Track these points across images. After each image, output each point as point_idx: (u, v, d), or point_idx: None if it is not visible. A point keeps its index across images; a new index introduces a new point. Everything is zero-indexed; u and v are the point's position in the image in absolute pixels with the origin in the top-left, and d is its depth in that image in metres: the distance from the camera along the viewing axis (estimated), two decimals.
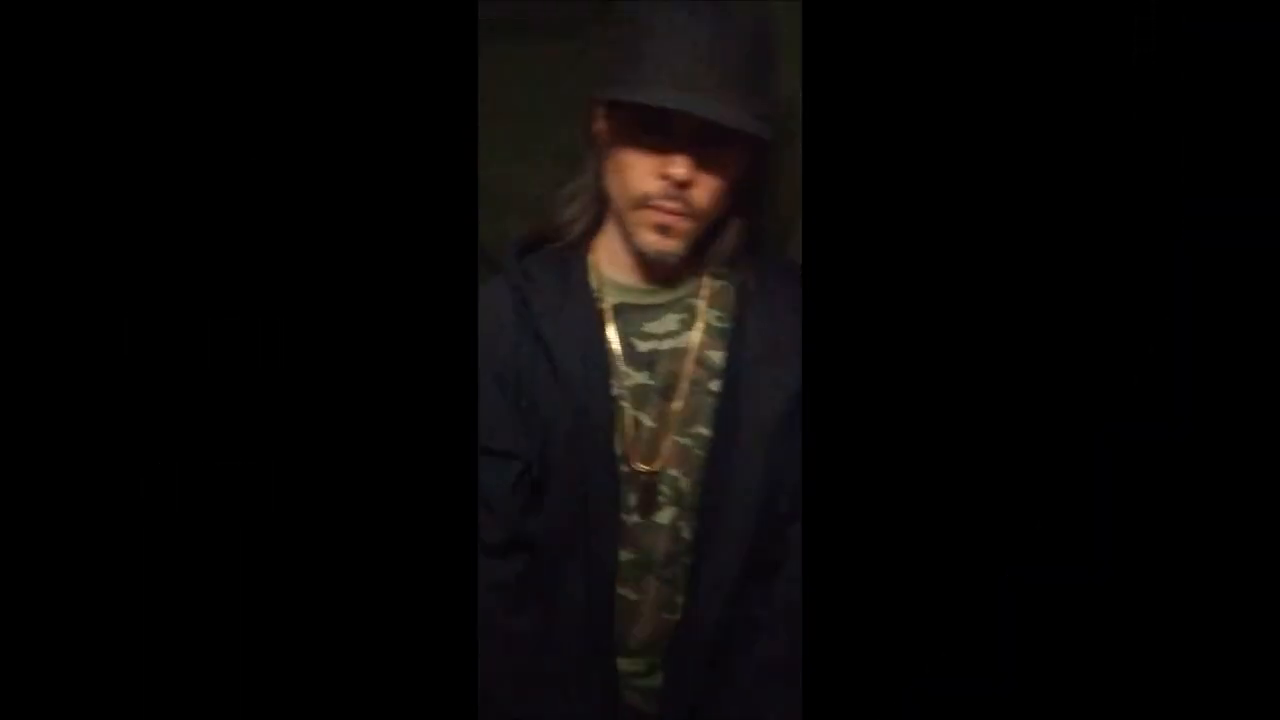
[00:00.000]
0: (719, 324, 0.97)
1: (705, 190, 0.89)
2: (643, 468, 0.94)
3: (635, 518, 0.94)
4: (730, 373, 0.95)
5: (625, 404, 0.94)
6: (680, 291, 0.97)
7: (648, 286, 0.97)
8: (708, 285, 0.97)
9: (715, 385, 0.95)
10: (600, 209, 0.96)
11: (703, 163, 0.88)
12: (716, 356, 0.96)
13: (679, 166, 0.87)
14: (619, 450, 0.94)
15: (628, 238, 0.93)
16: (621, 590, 0.94)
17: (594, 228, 0.98)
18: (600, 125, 0.93)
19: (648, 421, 0.95)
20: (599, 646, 0.94)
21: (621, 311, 0.96)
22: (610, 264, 0.97)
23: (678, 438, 0.94)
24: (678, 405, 0.95)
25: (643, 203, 0.90)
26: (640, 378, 0.95)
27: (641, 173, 0.89)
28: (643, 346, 0.95)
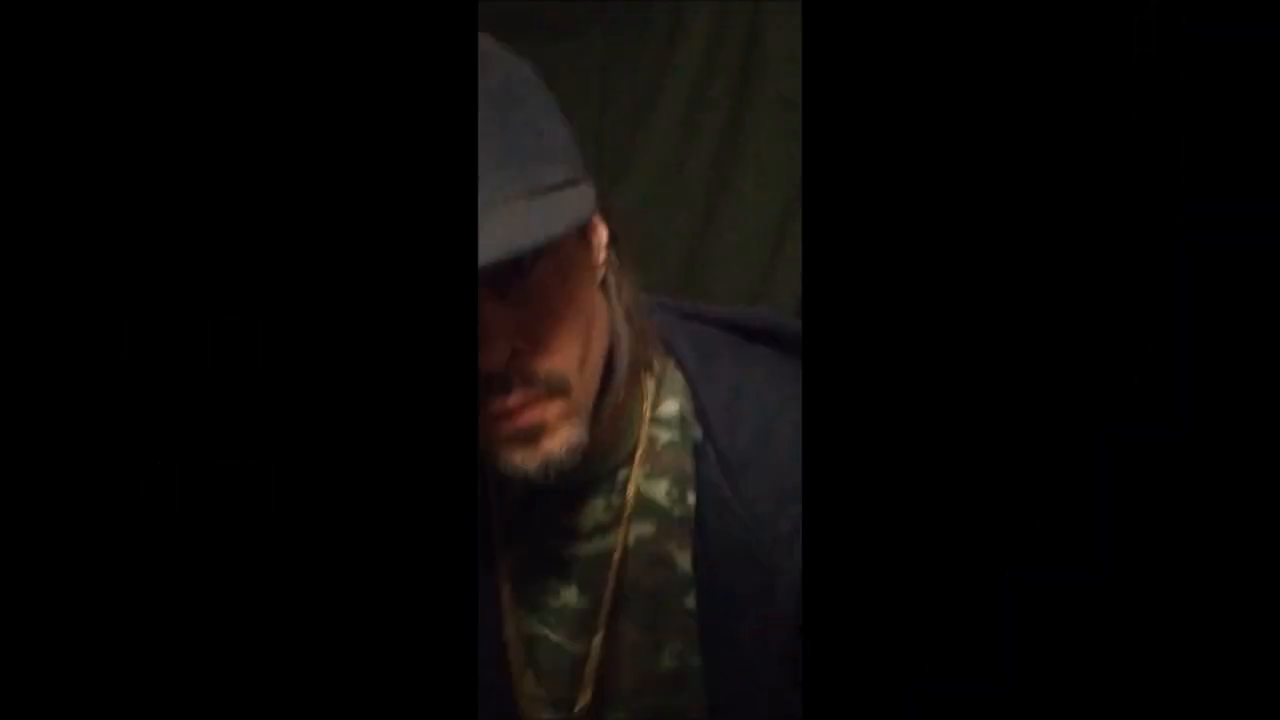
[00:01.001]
0: (671, 506, 0.65)
1: (551, 347, 0.59)
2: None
3: None
4: (704, 583, 0.65)
5: (537, 638, 0.66)
6: (608, 461, 0.66)
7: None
8: (644, 438, 0.66)
9: (673, 589, 0.65)
10: None
11: (520, 316, 0.58)
12: (674, 553, 0.66)
13: (492, 352, 0.58)
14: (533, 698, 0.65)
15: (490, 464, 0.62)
16: None
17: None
18: None
19: (591, 652, 0.65)
20: None
21: (530, 508, 0.67)
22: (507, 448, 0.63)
23: (638, 665, 0.66)
24: (625, 623, 0.65)
25: (486, 413, 0.60)
26: (568, 599, 0.66)
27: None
28: (565, 553, 0.66)
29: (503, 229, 0.55)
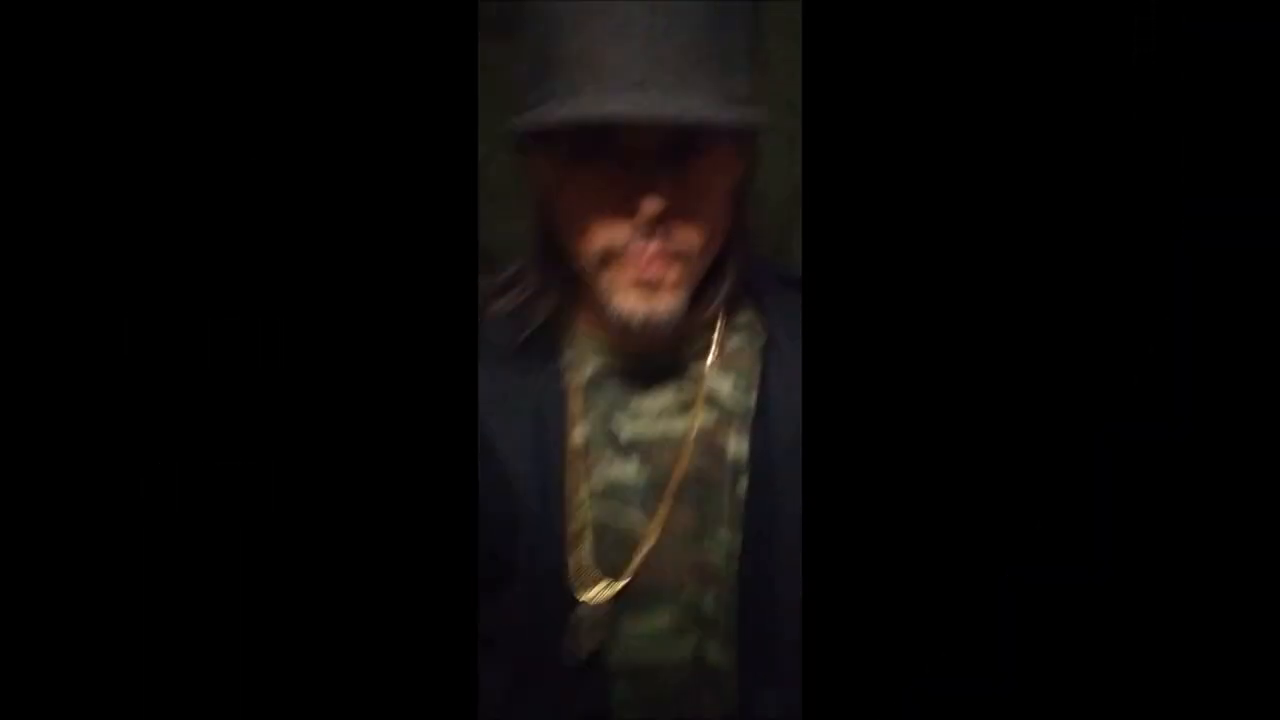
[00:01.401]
0: (732, 401, 0.74)
1: (692, 222, 0.67)
2: (603, 595, 0.71)
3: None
4: (756, 470, 0.72)
5: (595, 509, 0.71)
6: (682, 356, 0.74)
7: (637, 352, 0.73)
8: (717, 345, 0.75)
9: (726, 476, 0.72)
10: (561, 282, 0.74)
11: (680, 186, 0.66)
12: (731, 443, 0.73)
13: (649, 201, 0.65)
14: (584, 567, 0.71)
15: (603, 305, 0.69)
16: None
17: (563, 302, 0.75)
18: (537, 167, 0.71)
19: (635, 528, 0.72)
20: None
21: (598, 386, 0.74)
22: (591, 323, 0.74)
23: (685, 551, 0.71)
24: (679, 507, 0.71)
25: (611, 258, 0.67)
26: (626, 472, 0.72)
27: (601, 219, 0.67)
28: (628, 431, 0.73)
29: (699, 104, 0.63)
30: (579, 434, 0.73)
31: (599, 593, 0.71)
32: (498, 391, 0.73)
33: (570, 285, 0.74)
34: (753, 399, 0.73)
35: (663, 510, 0.72)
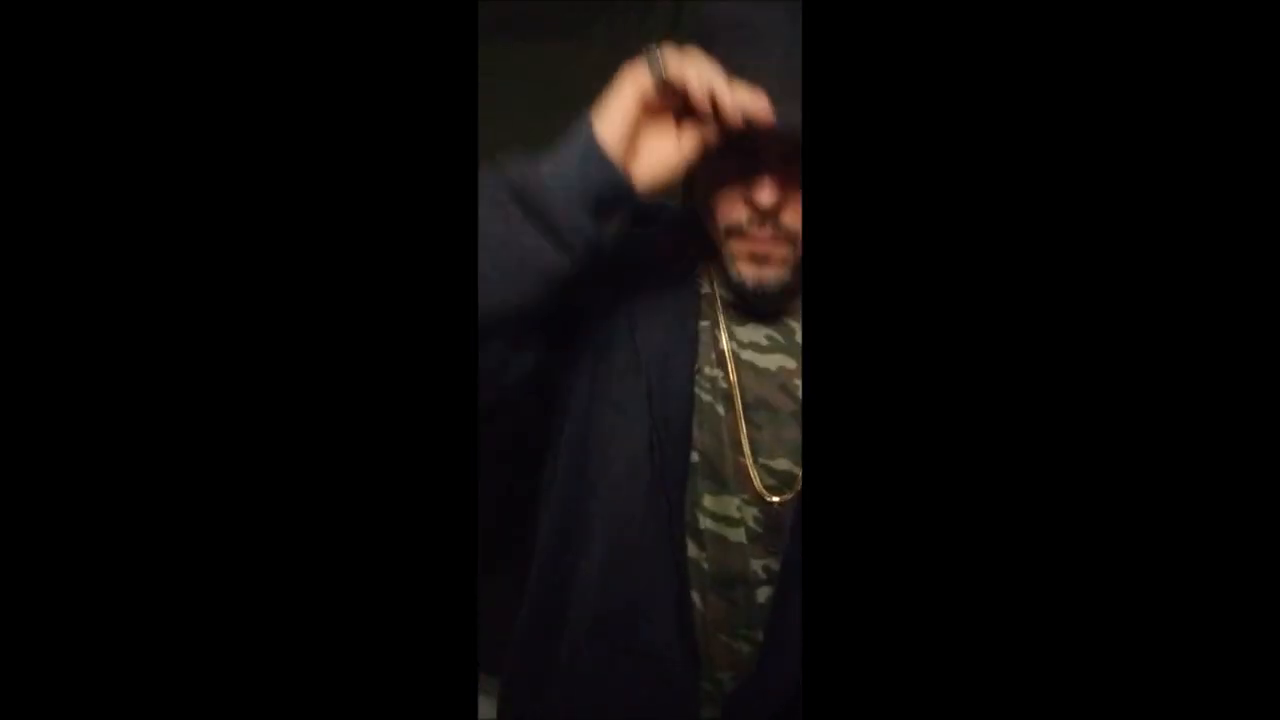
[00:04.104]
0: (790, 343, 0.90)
1: (795, 212, 0.82)
2: (772, 499, 0.88)
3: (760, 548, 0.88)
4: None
5: (714, 402, 0.88)
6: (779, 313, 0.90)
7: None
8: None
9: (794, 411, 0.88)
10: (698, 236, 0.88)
11: (788, 181, 0.81)
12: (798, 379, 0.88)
13: (766, 193, 0.80)
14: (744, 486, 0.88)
15: (724, 270, 0.86)
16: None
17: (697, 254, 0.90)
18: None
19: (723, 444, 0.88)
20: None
21: (720, 307, 0.90)
22: (715, 281, 0.90)
23: (756, 471, 0.88)
24: (756, 431, 0.88)
25: (734, 232, 0.83)
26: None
27: (728, 200, 0.82)
28: (727, 346, 0.89)
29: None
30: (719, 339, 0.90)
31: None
32: (646, 300, 0.89)
33: (702, 242, 0.89)
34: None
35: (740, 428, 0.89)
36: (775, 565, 0.89)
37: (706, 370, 0.89)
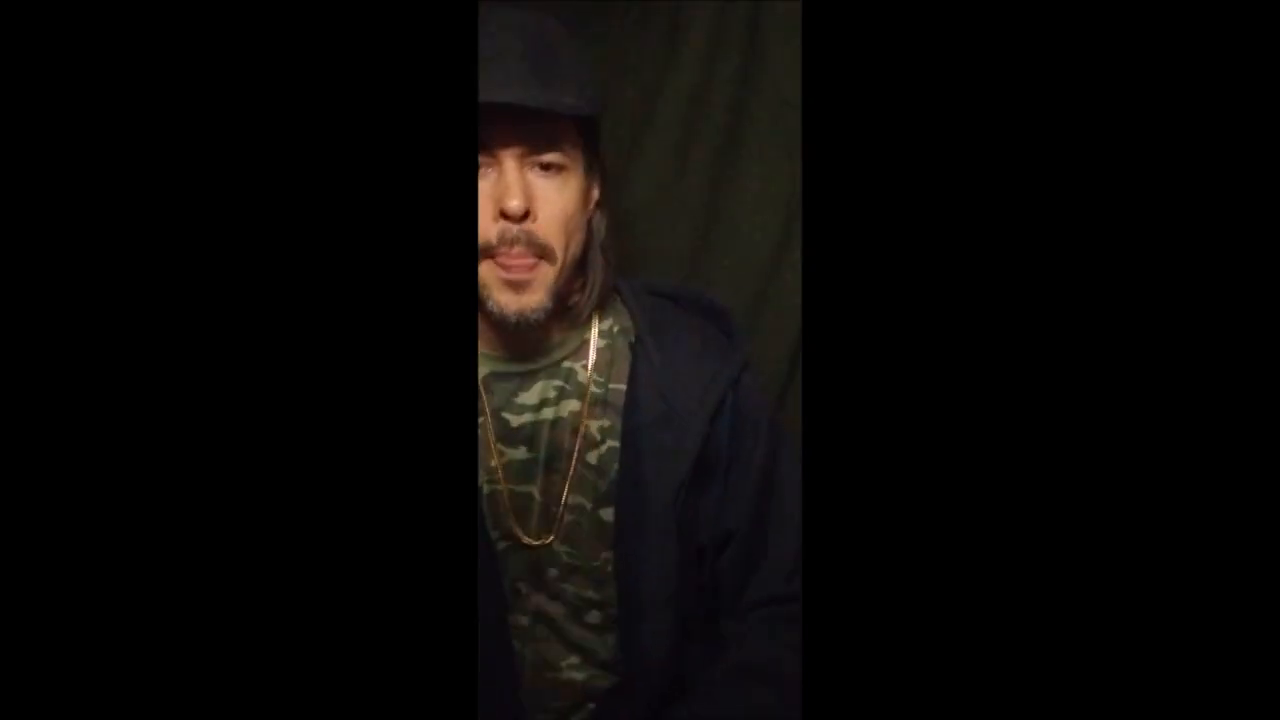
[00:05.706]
0: (598, 390, 0.86)
1: (550, 219, 0.77)
2: (531, 541, 0.86)
3: (526, 588, 0.87)
4: (627, 443, 0.85)
5: (499, 483, 0.85)
6: (555, 355, 0.86)
7: (516, 353, 0.85)
8: (589, 345, 0.87)
9: (593, 458, 0.85)
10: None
11: (539, 185, 0.76)
12: (597, 426, 0.86)
13: (511, 196, 0.74)
14: (499, 524, 0.85)
15: (482, 302, 0.80)
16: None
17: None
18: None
19: (535, 494, 0.86)
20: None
21: (490, 384, 0.85)
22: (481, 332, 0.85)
23: (569, 514, 0.86)
24: (564, 480, 0.85)
25: (486, 255, 0.77)
26: (518, 454, 0.86)
27: (479, 218, 0.76)
28: (516, 421, 0.85)
29: (556, 96, 0.73)
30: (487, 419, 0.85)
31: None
32: None
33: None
34: (615, 386, 0.86)
35: (539, 481, 0.86)
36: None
37: (497, 447, 0.86)
